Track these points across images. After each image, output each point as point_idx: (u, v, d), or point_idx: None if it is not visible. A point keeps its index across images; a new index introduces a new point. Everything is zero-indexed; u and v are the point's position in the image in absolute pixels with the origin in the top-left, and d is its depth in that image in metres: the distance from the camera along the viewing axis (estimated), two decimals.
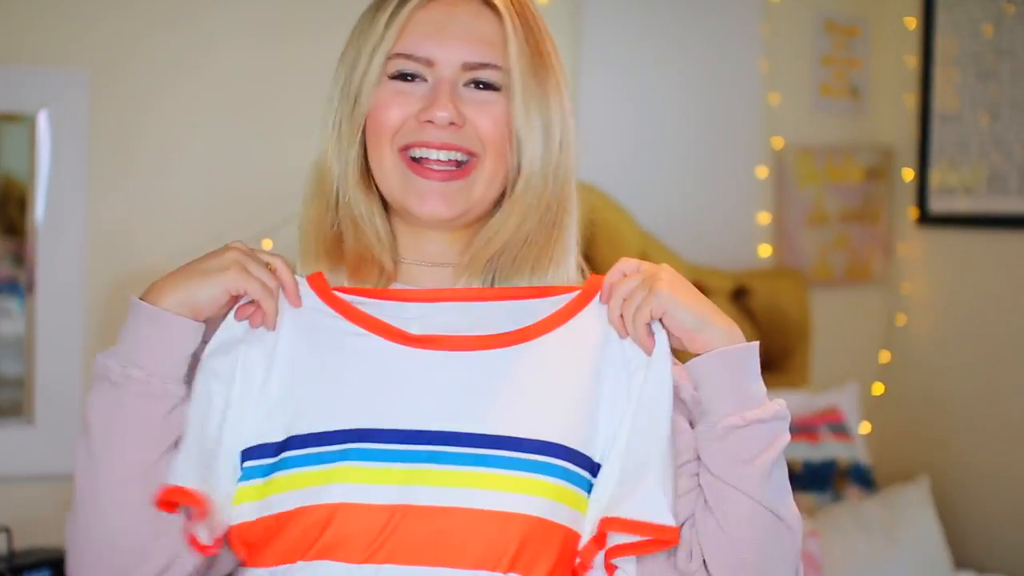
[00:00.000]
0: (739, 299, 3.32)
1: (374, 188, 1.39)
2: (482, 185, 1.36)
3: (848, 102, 3.59)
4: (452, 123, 1.33)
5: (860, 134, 3.61)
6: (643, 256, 3.17)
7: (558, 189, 1.39)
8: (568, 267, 1.42)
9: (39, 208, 2.50)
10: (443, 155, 1.34)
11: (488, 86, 1.35)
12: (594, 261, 3.27)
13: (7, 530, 2.36)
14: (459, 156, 1.35)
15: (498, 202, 1.39)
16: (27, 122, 2.50)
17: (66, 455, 2.53)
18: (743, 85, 3.40)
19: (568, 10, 3.14)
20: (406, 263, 1.41)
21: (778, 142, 3.47)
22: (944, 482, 3.38)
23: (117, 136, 2.57)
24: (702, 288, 3.59)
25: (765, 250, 3.46)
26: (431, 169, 1.34)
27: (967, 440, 3.38)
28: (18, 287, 2.53)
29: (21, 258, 2.52)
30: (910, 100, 3.55)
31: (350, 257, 1.39)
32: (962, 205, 3.41)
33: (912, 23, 3.53)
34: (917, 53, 3.52)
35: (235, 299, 1.34)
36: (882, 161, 3.59)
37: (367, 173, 1.39)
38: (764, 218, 3.47)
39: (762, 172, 3.45)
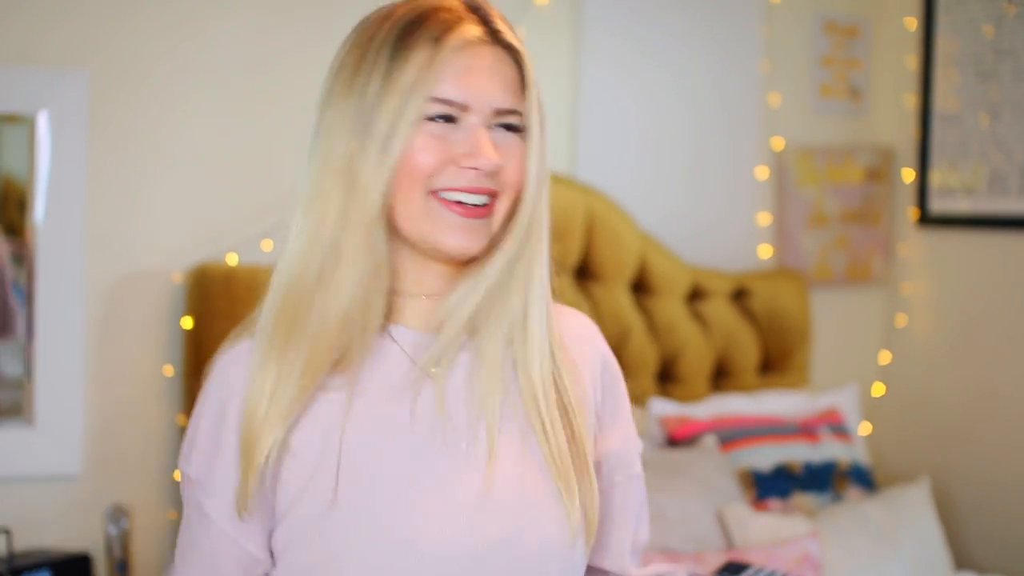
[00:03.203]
0: (739, 300, 3.32)
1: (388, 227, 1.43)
2: (498, 222, 1.42)
3: (848, 102, 3.59)
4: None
5: (860, 135, 3.61)
6: (643, 257, 3.17)
7: (537, 218, 1.45)
8: (544, 282, 1.47)
9: (39, 208, 2.50)
10: (476, 199, 1.40)
11: (513, 128, 1.42)
12: (595, 263, 3.27)
13: (7, 531, 2.36)
14: (486, 200, 1.41)
15: None
16: (27, 122, 2.50)
17: (66, 455, 2.54)
18: (743, 85, 3.40)
19: (568, 10, 3.14)
20: (405, 296, 1.45)
21: (778, 143, 3.47)
22: (944, 483, 3.38)
23: (117, 136, 2.57)
24: (702, 289, 3.58)
25: (765, 251, 3.46)
26: (463, 206, 1.40)
27: (967, 440, 3.38)
28: (18, 287, 2.53)
29: (21, 258, 2.52)
30: (910, 101, 3.55)
31: (335, 320, 1.41)
32: (962, 206, 3.41)
33: (912, 23, 3.53)
34: (917, 54, 3.52)
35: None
36: (882, 162, 3.59)
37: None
38: (764, 219, 3.47)
39: (762, 173, 3.45)
